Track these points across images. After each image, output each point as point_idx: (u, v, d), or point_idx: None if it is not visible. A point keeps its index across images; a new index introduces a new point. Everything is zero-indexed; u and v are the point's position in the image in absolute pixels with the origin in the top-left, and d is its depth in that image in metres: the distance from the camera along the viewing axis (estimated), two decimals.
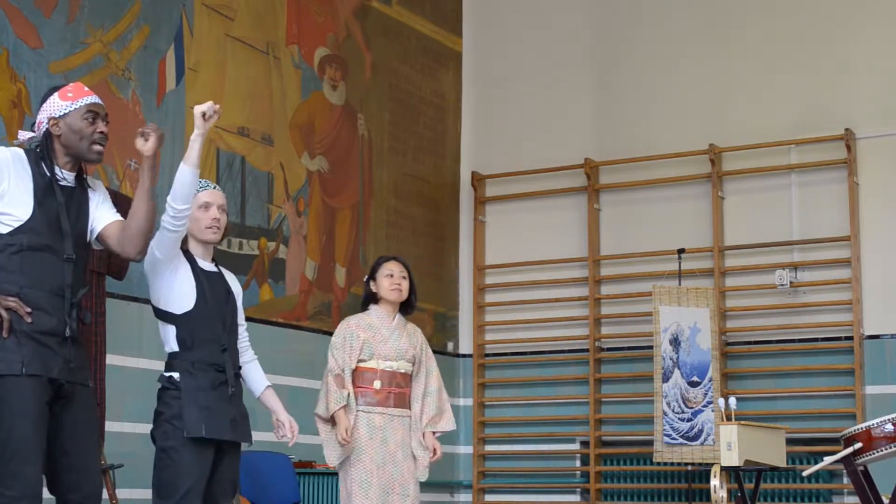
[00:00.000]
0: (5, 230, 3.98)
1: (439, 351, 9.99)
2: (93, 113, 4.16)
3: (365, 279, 6.03)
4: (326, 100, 9.08)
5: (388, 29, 9.87)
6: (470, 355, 10.32)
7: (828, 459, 6.17)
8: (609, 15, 10.30)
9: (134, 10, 7.55)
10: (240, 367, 4.71)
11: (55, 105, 4.14)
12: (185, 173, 4.38)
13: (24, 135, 4.21)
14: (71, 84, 4.25)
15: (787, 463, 7.31)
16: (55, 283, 4.01)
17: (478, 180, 10.44)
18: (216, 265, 4.75)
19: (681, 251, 9.26)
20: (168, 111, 7.69)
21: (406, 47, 10.07)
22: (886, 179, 9.11)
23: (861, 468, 6.08)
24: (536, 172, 10.23)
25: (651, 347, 9.00)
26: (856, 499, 6.51)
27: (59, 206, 4.04)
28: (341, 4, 9.36)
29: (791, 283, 9.16)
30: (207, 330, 4.52)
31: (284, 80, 8.72)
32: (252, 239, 8.32)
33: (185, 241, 4.65)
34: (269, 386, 4.88)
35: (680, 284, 9.15)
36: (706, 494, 8.52)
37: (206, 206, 4.64)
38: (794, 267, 9.26)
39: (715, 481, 7.05)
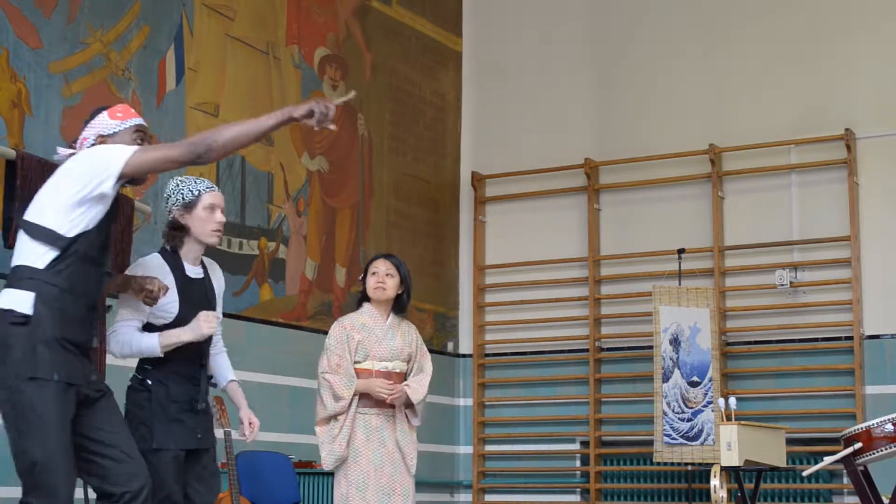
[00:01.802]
0: (72, 233, 3.93)
1: (439, 351, 10.00)
2: (141, 133, 4.18)
3: (360, 278, 5.99)
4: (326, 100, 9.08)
5: (388, 29, 9.87)
6: (470, 355, 10.32)
7: (828, 459, 6.17)
8: (609, 15, 10.30)
9: (134, 10, 7.55)
10: (210, 377, 4.67)
11: (104, 123, 4.16)
12: (152, 348, 4.42)
13: (63, 152, 4.18)
14: (119, 105, 4.27)
15: (787, 463, 7.30)
16: (92, 296, 4.02)
17: (478, 180, 10.44)
18: (202, 263, 4.69)
19: (681, 251, 9.26)
20: (168, 111, 7.70)
21: (406, 47, 10.07)
22: (886, 179, 9.11)
23: (861, 468, 6.07)
24: (536, 172, 10.24)
25: (651, 347, 9.00)
26: (856, 499, 6.51)
27: (108, 218, 4.04)
28: (341, 4, 9.36)
29: (791, 283, 9.16)
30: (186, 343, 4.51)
31: (284, 80, 8.73)
32: (252, 239, 8.32)
33: (179, 244, 4.60)
34: (233, 380, 4.83)
35: (680, 284, 9.15)
36: (706, 494, 8.52)
37: (212, 208, 4.56)
38: (794, 267, 9.26)
39: (715, 481, 7.05)
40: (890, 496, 6.22)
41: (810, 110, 9.39)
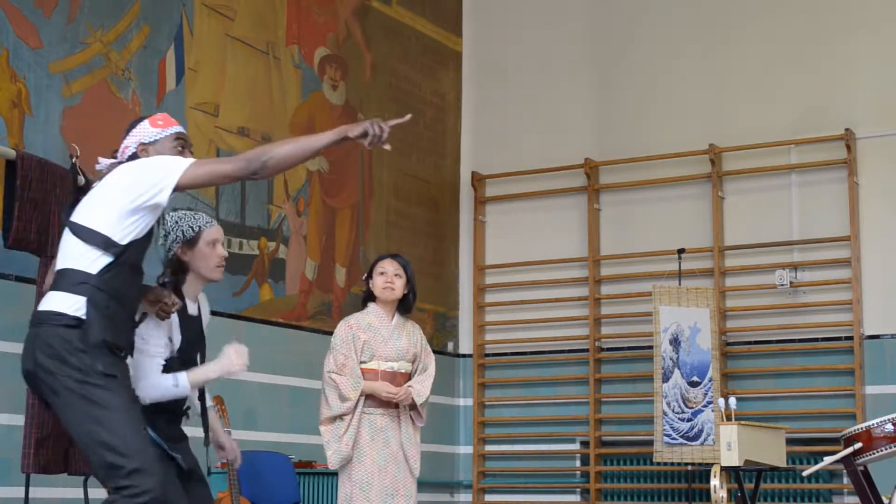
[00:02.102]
0: (125, 241, 3.92)
1: (439, 351, 10.00)
2: (181, 140, 4.21)
3: (364, 278, 6.00)
4: (326, 100, 9.08)
5: (388, 29, 9.86)
6: (470, 355, 10.32)
7: (828, 459, 6.17)
8: (609, 15, 10.30)
9: (134, 10, 7.55)
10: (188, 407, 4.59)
11: (145, 132, 4.19)
12: (184, 390, 4.33)
13: (104, 161, 4.20)
14: (159, 114, 4.31)
15: (787, 463, 7.30)
16: (134, 304, 4.03)
17: (478, 180, 10.44)
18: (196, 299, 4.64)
19: (681, 251, 9.26)
20: (168, 111, 7.61)
21: (406, 47, 10.07)
22: (886, 179, 9.11)
23: (861, 468, 6.07)
24: (536, 172, 10.23)
25: (651, 347, 9.00)
26: (856, 499, 6.51)
27: (155, 225, 4.07)
28: (341, 4, 9.36)
29: (791, 283, 9.16)
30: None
31: (284, 80, 8.72)
32: (252, 239, 8.32)
33: (182, 280, 4.49)
34: (211, 406, 4.77)
35: (680, 284, 9.15)
36: (706, 494, 8.51)
37: (213, 243, 4.52)
38: (794, 267, 9.26)
39: (715, 481, 7.05)
40: (890, 496, 6.21)
41: (810, 110, 9.38)
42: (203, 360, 4.53)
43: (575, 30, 10.40)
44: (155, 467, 3.80)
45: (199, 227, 4.52)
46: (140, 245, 3.98)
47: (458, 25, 10.74)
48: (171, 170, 3.93)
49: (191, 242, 4.49)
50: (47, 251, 6.26)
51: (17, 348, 6.36)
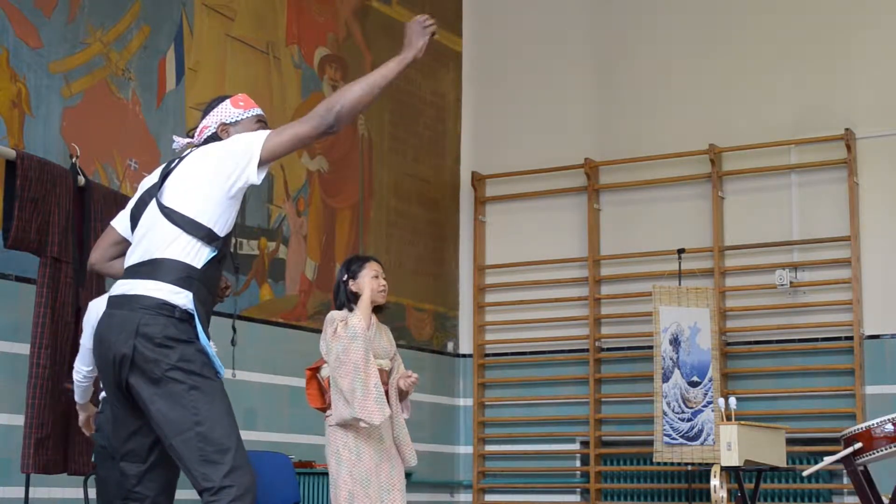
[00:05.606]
0: (223, 234, 3.84)
1: (439, 351, 10.01)
2: (262, 123, 4.11)
3: (343, 279, 5.89)
4: None
5: (388, 29, 9.86)
6: (470, 355, 10.32)
7: (828, 459, 6.18)
8: (609, 15, 10.30)
9: (134, 10, 7.55)
10: None
11: (227, 112, 4.09)
12: None
13: (180, 141, 4.13)
14: (240, 94, 4.20)
15: (787, 463, 7.31)
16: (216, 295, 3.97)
17: (478, 180, 10.44)
18: None
19: (681, 251, 9.26)
20: (168, 111, 7.70)
21: None
22: (886, 179, 9.11)
23: (861, 468, 6.08)
24: (536, 172, 10.24)
25: (651, 347, 9.00)
26: (856, 499, 6.51)
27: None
28: (341, 4, 9.36)
29: (791, 283, 9.16)
30: None
31: (284, 80, 8.72)
32: (252, 239, 8.32)
33: None
34: None
35: (680, 284, 9.15)
36: (706, 494, 8.52)
37: None
38: (794, 267, 9.26)
39: (715, 481, 7.05)
40: (890, 496, 6.22)
41: (810, 110, 9.39)
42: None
43: (575, 30, 10.40)
44: (249, 462, 3.75)
45: None
46: (230, 236, 3.91)
47: (458, 25, 10.74)
48: (253, 145, 3.81)
49: None
50: (47, 251, 6.26)
51: (17, 348, 6.41)
